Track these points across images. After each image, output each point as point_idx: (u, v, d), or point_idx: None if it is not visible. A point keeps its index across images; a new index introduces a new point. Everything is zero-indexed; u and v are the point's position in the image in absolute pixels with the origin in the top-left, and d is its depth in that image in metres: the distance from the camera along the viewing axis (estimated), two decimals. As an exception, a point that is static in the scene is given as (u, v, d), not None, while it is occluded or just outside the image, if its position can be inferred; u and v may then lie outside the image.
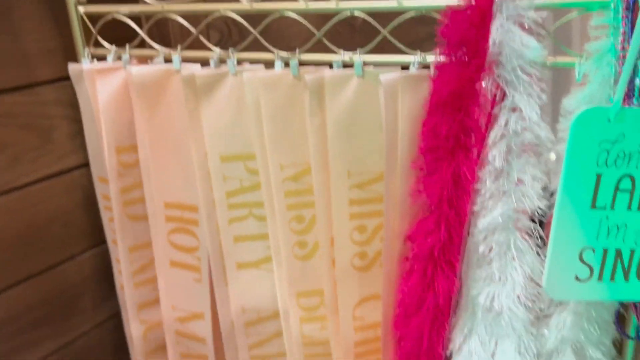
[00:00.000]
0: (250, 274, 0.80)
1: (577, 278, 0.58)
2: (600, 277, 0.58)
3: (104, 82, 0.78)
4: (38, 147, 0.83)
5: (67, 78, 0.82)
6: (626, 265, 0.58)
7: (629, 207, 0.57)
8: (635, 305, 0.61)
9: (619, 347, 0.66)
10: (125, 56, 0.79)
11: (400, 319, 0.65)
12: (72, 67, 0.81)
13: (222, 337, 0.83)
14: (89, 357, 0.95)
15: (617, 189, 0.56)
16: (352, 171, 0.67)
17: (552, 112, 0.65)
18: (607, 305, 0.62)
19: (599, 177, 0.56)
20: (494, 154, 0.59)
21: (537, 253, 0.61)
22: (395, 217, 0.65)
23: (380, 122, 0.64)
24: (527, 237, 0.61)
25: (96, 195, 0.88)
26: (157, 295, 0.87)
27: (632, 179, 0.56)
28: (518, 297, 0.61)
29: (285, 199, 0.71)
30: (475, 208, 0.60)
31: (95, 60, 0.82)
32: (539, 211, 0.60)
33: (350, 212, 0.68)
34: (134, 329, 0.89)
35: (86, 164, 0.88)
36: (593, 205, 0.56)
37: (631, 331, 0.64)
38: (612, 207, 0.57)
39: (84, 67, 0.78)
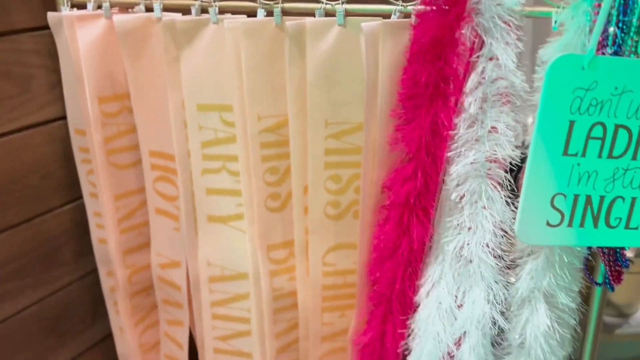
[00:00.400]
0: (219, 228, 0.80)
1: (548, 223, 0.60)
2: (570, 223, 0.60)
3: (84, 30, 0.78)
4: (16, 96, 0.82)
5: (46, 27, 0.81)
6: (595, 211, 0.60)
7: (600, 155, 0.58)
8: (603, 251, 0.63)
9: (585, 295, 0.69)
10: (106, 4, 0.78)
11: (375, 263, 0.66)
12: (51, 15, 0.80)
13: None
14: (68, 310, 0.96)
15: (588, 136, 0.58)
16: (329, 121, 0.68)
17: (531, 65, 0.66)
18: (577, 252, 0.64)
19: (571, 124, 0.57)
20: (470, 101, 0.60)
21: (508, 203, 0.62)
22: (373, 167, 0.66)
23: (360, 73, 0.64)
24: (498, 186, 0.62)
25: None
26: (143, 241, 0.89)
27: (604, 127, 0.58)
28: (487, 245, 0.63)
29: (261, 150, 0.72)
30: (449, 154, 0.62)
31: (75, 9, 0.81)
32: (512, 161, 0.61)
33: (326, 161, 0.69)
34: (120, 273, 0.89)
35: (65, 117, 0.87)
36: (565, 152, 0.58)
37: (599, 278, 0.66)
38: (584, 154, 0.58)
39: (63, 14, 0.77)
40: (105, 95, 0.81)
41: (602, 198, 0.60)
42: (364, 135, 0.65)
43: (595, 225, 0.60)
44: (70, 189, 0.92)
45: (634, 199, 0.60)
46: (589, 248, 0.64)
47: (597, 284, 0.66)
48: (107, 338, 1.03)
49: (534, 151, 0.57)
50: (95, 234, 0.92)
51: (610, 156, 0.59)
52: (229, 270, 0.82)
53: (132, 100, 0.79)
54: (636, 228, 0.61)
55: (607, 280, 0.65)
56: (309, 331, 0.77)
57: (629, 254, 0.85)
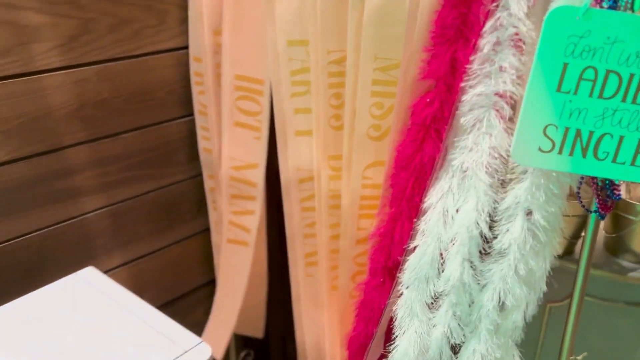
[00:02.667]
0: (305, 140, 0.99)
1: (540, 149, 0.71)
2: (560, 151, 0.71)
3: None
4: (155, 26, 1.06)
5: (180, -28, 1.05)
6: (584, 143, 0.71)
7: (591, 95, 0.69)
8: (593, 181, 0.74)
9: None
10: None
11: (393, 172, 0.82)
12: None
13: (281, 191, 1.04)
14: (179, 201, 1.21)
15: (580, 77, 0.68)
16: (378, 56, 0.83)
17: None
18: (557, 179, 0.74)
19: (565, 65, 0.68)
20: (484, 43, 0.73)
21: (507, 132, 0.74)
22: (406, 95, 0.81)
23: (405, 18, 0.79)
24: (500, 116, 0.74)
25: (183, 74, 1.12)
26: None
27: (595, 71, 0.68)
28: (483, 164, 0.75)
29: (328, 78, 0.89)
30: (463, 85, 0.75)
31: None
32: (514, 96, 0.73)
33: (372, 90, 0.85)
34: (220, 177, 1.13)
35: (188, 46, 1.11)
36: (559, 89, 0.69)
37: (593, 206, 0.76)
38: (576, 92, 0.69)
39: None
40: (220, 29, 1.03)
41: (591, 133, 0.70)
42: (401, 66, 0.80)
43: (584, 156, 0.71)
44: (188, 105, 1.16)
45: (621, 137, 0.70)
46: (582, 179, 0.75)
47: (589, 211, 0.76)
48: (205, 231, 1.28)
49: (531, 84, 0.69)
50: (201, 144, 1.16)
51: (600, 97, 0.69)
52: (308, 172, 1.02)
53: (228, 32, 0.99)
54: (623, 163, 0.71)
55: (596, 209, 0.75)
56: (347, 233, 0.95)
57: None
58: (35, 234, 1.00)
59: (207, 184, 1.19)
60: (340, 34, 0.88)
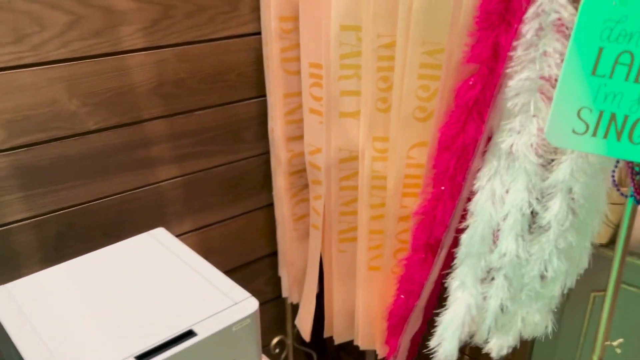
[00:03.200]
0: (349, 121, 1.05)
1: (574, 131, 0.74)
2: (594, 134, 0.73)
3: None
4: (229, 12, 1.16)
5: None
6: (619, 127, 0.72)
7: (627, 79, 0.71)
8: (629, 165, 0.75)
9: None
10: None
11: (436, 152, 0.86)
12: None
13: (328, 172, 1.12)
14: (246, 176, 1.31)
15: (616, 61, 0.70)
16: (426, 40, 0.88)
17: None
18: (596, 161, 0.76)
19: (600, 49, 0.70)
20: (527, 29, 0.76)
21: (552, 113, 0.77)
22: (450, 78, 0.85)
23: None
24: (545, 99, 0.77)
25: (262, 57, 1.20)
26: (300, 133, 1.19)
27: (632, 55, 0.70)
28: (532, 145, 0.79)
29: (377, 62, 0.95)
30: (508, 71, 0.78)
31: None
32: (557, 79, 0.76)
33: (419, 73, 0.89)
34: (282, 155, 1.21)
35: (259, 32, 1.19)
36: (594, 73, 0.71)
37: (630, 191, 0.77)
38: (611, 76, 0.71)
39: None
40: (285, 16, 1.11)
41: (626, 117, 0.72)
42: (446, 51, 0.84)
43: (618, 139, 0.73)
44: (256, 87, 1.25)
45: (658, 122, 0.71)
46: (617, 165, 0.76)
47: (625, 196, 0.77)
48: (269, 206, 1.37)
49: (566, 67, 0.71)
50: (270, 124, 1.25)
51: (636, 81, 0.70)
52: (354, 152, 1.08)
53: (300, 20, 1.07)
54: (659, 148, 0.72)
55: (632, 194, 0.76)
56: (390, 210, 1.00)
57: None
58: (115, 196, 1.12)
59: (273, 162, 1.28)
60: (390, 20, 0.93)
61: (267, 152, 1.31)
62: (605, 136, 0.73)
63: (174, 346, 0.78)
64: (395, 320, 1.04)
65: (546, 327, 0.94)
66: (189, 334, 0.80)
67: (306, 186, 1.27)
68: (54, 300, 0.87)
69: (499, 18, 0.78)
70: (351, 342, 1.25)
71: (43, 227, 1.05)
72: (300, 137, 1.21)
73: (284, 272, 1.39)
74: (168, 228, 1.15)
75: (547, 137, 0.75)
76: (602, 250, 0.97)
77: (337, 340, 1.26)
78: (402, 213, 1.00)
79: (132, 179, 1.14)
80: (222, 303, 0.86)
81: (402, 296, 1.01)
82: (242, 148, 1.28)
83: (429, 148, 0.90)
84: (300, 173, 1.27)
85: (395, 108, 0.95)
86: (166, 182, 1.19)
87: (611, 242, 0.98)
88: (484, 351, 0.99)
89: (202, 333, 0.80)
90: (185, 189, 1.22)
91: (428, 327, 1.06)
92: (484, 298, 0.92)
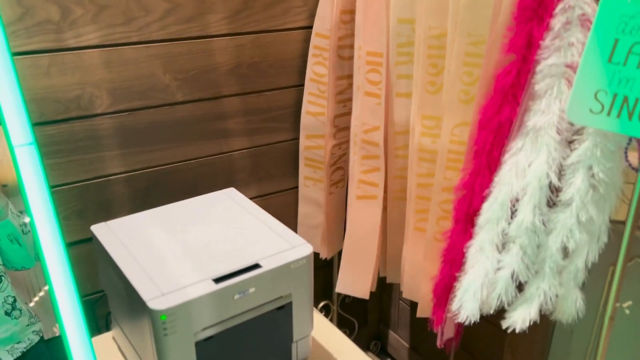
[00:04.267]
0: (402, 101, 1.21)
1: (591, 110, 0.86)
2: (609, 113, 0.86)
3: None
4: (298, 7, 1.33)
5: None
6: (631, 108, 0.85)
7: (638, 66, 0.83)
8: (639, 142, 0.87)
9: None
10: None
11: (476, 131, 1.00)
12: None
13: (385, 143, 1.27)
14: (286, 157, 1.47)
15: (630, 51, 0.83)
16: (471, 32, 1.02)
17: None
18: (613, 139, 0.88)
19: (616, 40, 0.83)
20: (555, 22, 0.89)
21: (573, 94, 0.90)
22: (490, 65, 0.99)
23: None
24: (568, 83, 0.90)
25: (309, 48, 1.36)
26: (345, 111, 1.35)
27: (643, 46, 0.82)
28: (554, 124, 0.91)
29: (428, 50, 1.10)
30: (538, 58, 0.92)
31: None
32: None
33: (464, 60, 1.04)
34: (328, 133, 1.38)
35: (310, 27, 1.34)
36: (610, 60, 0.84)
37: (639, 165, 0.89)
38: (625, 64, 0.83)
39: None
40: (345, 9, 1.27)
41: (637, 100, 0.84)
42: (488, 42, 0.98)
43: (630, 118, 0.85)
44: (299, 75, 1.41)
45: (665, 105, 0.83)
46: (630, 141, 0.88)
47: (633, 168, 0.89)
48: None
49: (586, 55, 0.85)
50: (305, 107, 1.40)
51: (647, 68, 0.82)
52: (406, 127, 1.23)
53: (359, 14, 1.23)
54: (666, 128, 0.84)
55: (642, 167, 0.88)
56: (435, 180, 1.14)
57: None
58: (194, 160, 1.31)
59: (303, 143, 1.43)
60: (441, 14, 1.08)
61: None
62: (618, 116, 0.85)
63: (243, 274, 0.94)
64: (440, 290, 1.17)
65: (575, 301, 1.02)
66: (256, 266, 0.96)
67: (342, 156, 1.43)
68: (146, 236, 1.05)
69: (533, 13, 0.91)
70: (389, 317, 1.41)
71: (135, 181, 1.24)
72: (345, 114, 1.38)
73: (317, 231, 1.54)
74: (236, 192, 1.32)
75: (568, 115, 0.88)
76: (620, 227, 1.08)
77: (389, 280, 1.44)
78: (445, 184, 1.13)
79: (209, 147, 1.32)
80: (283, 245, 1.02)
81: (445, 265, 1.14)
82: (282, 129, 1.44)
83: (470, 127, 1.04)
84: (339, 145, 1.42)
85: (443, 91, 1.09)
86: (237, 152, 1.37)
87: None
88: (506, 325, 1.05)
89: (266, 266, 0.96)
90: (252, 159, 1.40)
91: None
92: (499, 268, 1.01)
